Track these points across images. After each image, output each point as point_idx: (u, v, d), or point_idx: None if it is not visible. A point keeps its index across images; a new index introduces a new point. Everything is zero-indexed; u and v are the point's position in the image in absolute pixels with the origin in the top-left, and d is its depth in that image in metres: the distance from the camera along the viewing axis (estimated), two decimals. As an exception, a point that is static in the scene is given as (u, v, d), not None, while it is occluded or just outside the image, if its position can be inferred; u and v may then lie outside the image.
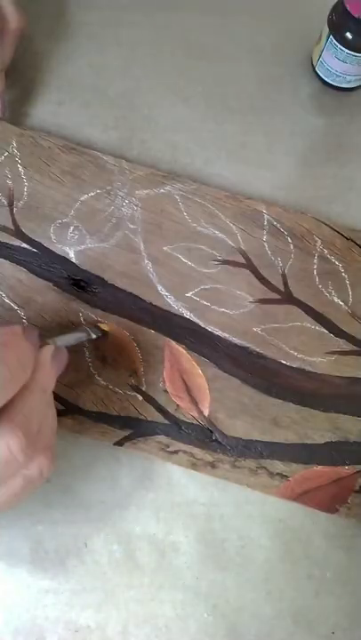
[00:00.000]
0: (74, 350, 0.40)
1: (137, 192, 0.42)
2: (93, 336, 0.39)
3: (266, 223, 0.42)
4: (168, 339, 0.41)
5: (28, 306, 0.40)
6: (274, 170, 0.46)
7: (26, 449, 0.27)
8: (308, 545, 0.40)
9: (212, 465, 0.39)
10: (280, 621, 0.39)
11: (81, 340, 0.38)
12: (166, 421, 0.40)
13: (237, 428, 0.40)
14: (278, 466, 0.40)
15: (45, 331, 0.40)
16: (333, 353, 0.41)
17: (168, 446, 0.39)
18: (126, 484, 0.40)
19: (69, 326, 0.40)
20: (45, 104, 0.46)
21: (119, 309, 0.41)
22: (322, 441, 0.40)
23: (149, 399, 0.40)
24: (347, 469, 0.40)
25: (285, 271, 0.42)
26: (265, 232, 0.42)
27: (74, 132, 0.45)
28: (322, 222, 0.43)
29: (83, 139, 0.45)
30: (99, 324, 0.40)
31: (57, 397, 0.40)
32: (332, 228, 0.43)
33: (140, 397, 0.40)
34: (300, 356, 0.41)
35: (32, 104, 0.45)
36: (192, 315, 0.41)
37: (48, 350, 0.32)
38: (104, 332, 0.40)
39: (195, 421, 0.40)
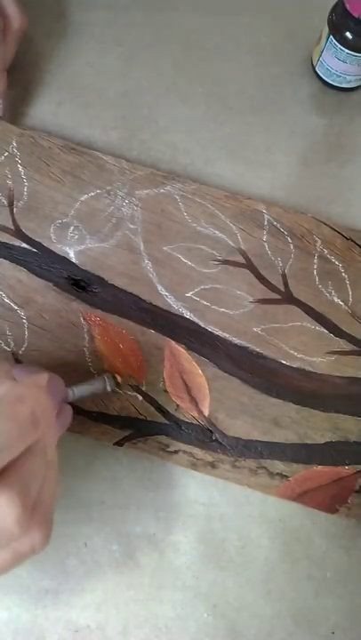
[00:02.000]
0: (72, 351, 0.40)
1: (137, 192, 0.42)
2: (109, 389, 0.38)
3: (266, 223, 0.42)
4: (168, 339, 0.41)
5: (27, 306, 0.40)
6: (274, 170, 0.46)
7: (22, 521, 0.24)
8: (308, 545, 0.40)
9: (212, 465, 0.39)
10: (280, 621, 0.39)
11: (97, 392, 0.38)
12: (166, 421, 0.40)
13: (237, 428, 0.40)
14: (278, 466, 0.40)
15: (48, 338, 0.40)
16: (333, 353, 0.41)
17: (168, 446, 0.39)
18: (126, 484, 0.40)
19: (85, 375, 0.39)
20: (45, 104, 0.46)
21: (119, 309, 0.41)
22: (322, 441, 0.40)
23: (149, 399, 0.40)
24: (347, 469, 0.40)
25: (285, 271, 0.42)
26: (265, 232, 0.42)
27: (74, 132, 0.45)
28: (322, 222, 0.43)
29: (83, 139, 0.45)
30: (115, 375, 0.39)
31: (57, 397, 0.40)
32: (332, 227, 0.43)
33: (140, 397, 0.40)
34: (300, 356, 0.41)
35: (32, 104, 0.45)
36: (192, 315, 0.41)
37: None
38: (118, 384, 0.39)
39: (195, 421, 0.40)
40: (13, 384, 0.27)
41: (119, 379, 0.39)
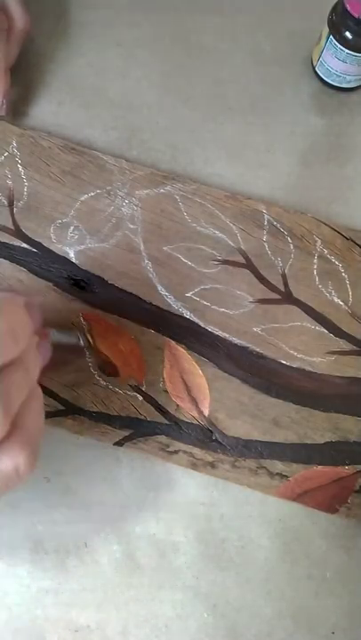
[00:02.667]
0: (74, 351, 0.40)
1: (137, 192, 0.42)
2: (81, 343, 0.39)
3: (266, 223, 0.42)
4: (168, 339, 0.41)
5: (28, 306, 0.40)
6: (274, 170, 0.46)
7: (2, 420, 0.24)
8: (308, 545, 0.40)
9: (212, 465, 0.39)
10: (280, 621, 0.39)
11: (70, 343, 0.38)
12: (166, 421, 0.40)
13: (237, 428, 0.40)
14: (278, 466, 0.40)
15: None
16: (333, 353, 0.41)
17: (168, 446, 0.39)
18: (126, 484, 0.40)
19: (68, 326, 0.40)
20: (45, 104, 0.46)
21: (119, 309, 0.41)
22: (322, 441, 0.40)
23: (149, 399, 0.40)
24: (347, 469, 0.40)
25: (285, 271, 0.42)
26: (265, 232, 0.42)
27: (74, 132, 0.45)
28: (322, 222, 0.43)
29: (83, 139, 0.45)
30: (88, 335, 0.40)
31: (57, 397, 0.40)
32: (332, 227, 0.43)
33: (140, 397, 0.40)
34: (300, 356, 0.41)
35: (32, 104, 0.45)
36: (192, 315, 0.41)
37: (34, 338, 0.29)
38: (89, 343, 0.39)
39: (195, 421, 0.40)
40: None
41: (90, 340, 0.40)
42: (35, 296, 0.31)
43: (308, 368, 0.41)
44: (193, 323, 0.41)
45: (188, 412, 0.40)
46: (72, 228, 0.42)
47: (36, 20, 0.46)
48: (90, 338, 0.40)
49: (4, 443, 0.25)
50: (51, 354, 0.33)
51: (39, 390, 0.29)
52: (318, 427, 0.40)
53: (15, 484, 0.26)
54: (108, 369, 0.40)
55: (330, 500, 0.39)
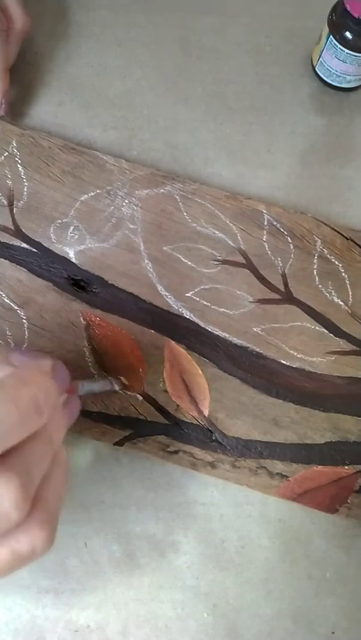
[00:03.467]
0: (72, 351, 0.40)
1: (137, 192, 0.42)
2: (116, 388, 0.38)
3: (266, 223, 0.42)
4: (168, 339, 0.41)
5: (27, 306, 0.40)
6: (274, 170, 0.46)
7: (22, 504, 0.22)
8: (308, 545, 0.40)
9: (212, 465, 0.39)
10: (280, 621, 0.39)
11: (104, 391, 0.37)
12: (166, 421, 0.40)
13: (237, 427, 0.40)
14: (278, 466, 0.40)
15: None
16: (333, 353, 0.41)
17: (168, 446, 0.39)
18: (126, 484, 0.40)
19: (90, 374, 0.40)
20: (45, 104, 0.46)
21: (119, 309, 0.41)
22: (322, 441, 0.40)
23: (149, 399, 0.40)
24: (347, 469, 0.40)
25: (285, 271, 0.42)
26: (265, 232, 0.42)
27: (74, 132, 0.45)
28: (322, 222, 0.43)
29: (83, 139, 0.45)
30: (120, 377, 0.39)
31: (57, 397, 0.40)
32: (332, 227, 0.43)
33: (140, 397, 0.40)
34: (300, 356, 0.41)
35: (32, 104, 0.45)
36: (192, 315, 0.41)
37: (60, 398, 0.27)
38: (125, 385, 0.39)
39: (195, 421, 0.40)
40: (14, 369, 0.26)
41: (125, 381, 0.39)
42: (62, 367, 0.29)
43: (308, 368, 0.41)
44: (193, 323, 0.41)
45: (188, 412, 0.40)
46: (72, 228, 0.42)
47: (36, 20, 0.46)
48: (123, 380, 0.39)
49: (23, 522, 0.23)
50: (80, 408, 0.32)
51: (63, 455, 0.27)
52: (318, 427, 0.40)
53: (29, 562, 0.24)
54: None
55: (330, 500, 0.39)
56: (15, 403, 0.23)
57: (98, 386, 0.37)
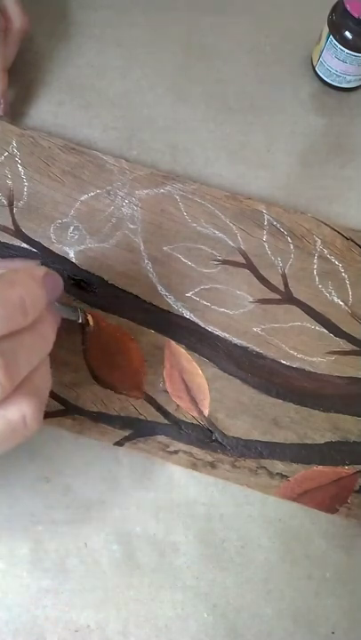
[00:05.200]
0: (73, 351, 0.40)
1: (137, 192, 0.42)
2: (79, 320, 0.38)
3: (266, 223, 0.42)
4: (168, 339, 0.41)
5: (28, 306, 0.40)
6: (274, 170, 0.46)
7: (4, 381, 0.25)
8: (308, 545, 0.40)
9: (212, 465, 0.39)
10: (280, 621, 0.39)
11: (70, 318, 0.38)
12: (166, 421, 0.40)
13: (237, 427, 0.40)
14: (278, 466, 0.40)
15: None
16: (333, 353, 0.41)
17: (168, 446, 0.39)
18: (126, 484, 0.40)
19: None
20: (45, 104, 0.46)
21: (119, 309, 0.41)
22: (322, 441, 0.40)
23: (149, 399, 0.40)
24: (347, 469, 0.40)
25: (285, 271, 0.42)
26: (265, 232, 0.42)
27: (74, 132, 0.45)
28: (322, 222, 0.43)
29: (83, 139, 0.45)
30: (87, 313, 0.40)
31: (57, 397, 0.40)
32: (332, 227, 0.43)
33: (140, 397, 0.40)
34: (300, 356, 0.41)
35: (32, 104, 0.45)
36: (192, 315, 0.41)
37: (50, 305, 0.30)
38: (87, 322, 0.39)
39: (195, 421, 0.40)
40: (5, 271, 0.27)
41: (91, 321, 0.39)
42: (55, 277, 0.31)
43: (308, 368, 0.41)
44: (193, 323, 0.41)
45: (188, 412, 0.40)
46: (72, 227, 0.42)
47: (36, 20, 0.46)
48: (89, 319, 0.39)
49: (11, 395, 0.26)
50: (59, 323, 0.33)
51: (47, 359, 0.29)
52: (318, 427, 0.40)
53: (22, 435, 0.27)
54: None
55: (330, 500, 0.39)
56: (2, 302, 0.25)
57: (66, 312, 0.37)
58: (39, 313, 0.27)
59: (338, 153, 0.47)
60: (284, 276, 0.42)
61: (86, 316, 0.39)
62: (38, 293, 0.27)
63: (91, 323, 0.39)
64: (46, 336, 0.29)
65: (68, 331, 0.40)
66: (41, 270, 0.29)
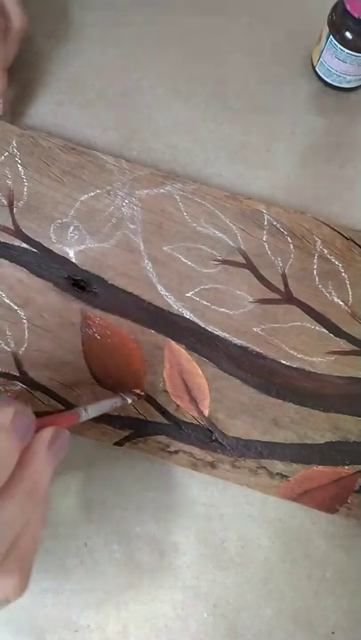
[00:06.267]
0: (73, 351, 0.40)
1: (137, 192, 0.42)
2: (129, 401, 0.37)
3: (266, 223, 0.42)
4: (168, 339, 0.40)
5: (27, 306, 0.40)
6: (274, 170, 0.46)
7: None
8: (308, 545, 0.40)
9: (212, 465, 0.39)
10: (280, 621, 0.39)
11: (115, 407, 0.37)
12: (166, 421, 0.40)
13: (237, 427, 0.40)
14: (278, 466, 0.40)
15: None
16: (333, 353, 0.41)
17: (168, 446, 0.39)
18: (126, 484, 0.40)
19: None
20: (45, 104, 0.46)
21: (119, 309, 0.41)
22: (322, 441, 0.40)
23: (149, 399, 0.40)
24: (347, 469, 0.40)
25: (285, 271, 0.42)
26: (265, 232, 0.42)
27: (74, 132, 0.45)
28: (322, 222, 0.43)
29: (83, 139, 0.45)
30: (134, 390, 0.39)
31: (57, 397, 0.40)
32: (332, 227, 0.43)
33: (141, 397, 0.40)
34: (300, 356, 0.41)
35: (32, 104, 0.45)
36: (192, 315, 0.41)
37: (45, 436, 0.26)
38: (139, 396, 0.39)
39: (195, 421, 0.40)
40: None
41: (140, 392, 0.39)
42: (23, 413, 0.27)
43: (308, 368, 0.41)
44: (193, 323, 0.41)
45: (188, 412, 0.40)
46: (72, 228, 0.42)
47: (36, 19, 0.46)
48: (138, 391, 0.39)
49: None
50: (68, 443, 0.29)
51: (45, 495, 0.26)
52: (318, 427, 0.40)
53: (2, 607, 0.24)
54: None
55: (330, 500, 0.39)
56: None
57: (105, 406, 0.35)
58: (14, 463, 0.24)
59: (338, 153, 0.47)
60: (284, 276, 0.42)
61: (135, 392, 0.39)
62: (7, 440, 0.24)
63: (141, 393, 0.39)
64: (38, 481, 0.25)
65: (67, 331, 0.40)
66: (8, 412, 0.25)
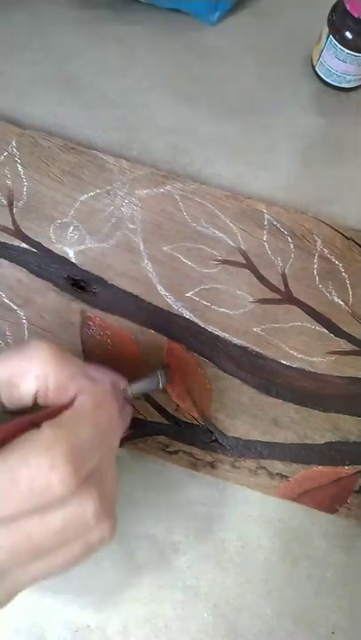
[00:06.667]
0: (73, 351, 0.40)
1: (137, 192, 0.42)
2: (161, 386, 0.37)
3: (266, 223, 0.42)
4: (168, 339, 0.40)
5: (27, 306, 0.40)
6: (274, 170, 0.46)
7: (99, 514, 0.25)
8: (308, 545, 0.40)
9: (212, 465, 0.39)
10: (280, 621, 0.39)
11: (150, 389, 0.37)
12: (166, 421, 0.40)
13: (237, 427, 0.40)
14: (278, 466, 0.40)
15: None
16: (333, 353, 0.41)
17: (168, 446, 0.39)
18: (126, 484, 0.40)
19: (141, 369, 0.39)
20: (45, 104, 0.46)
21: (119, 309, 0.41)
22: (322, 441, 0.40)
23: (149, 399, 0.40)
24: (347, 469, 0.40)
25: (285, 271, 0.42)
26: (265, 232, 0.42)
27: (74, 132, 0.45)
28: (322, 222, 0.43)
29: (83, 139, 0.45)
30: (166, 370, 0.39)
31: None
32: (332, 227, 0.42)
33: (140, 397, 0.40)
34: (300, 356, 0.41)
35: (32, 104, 0.45)
36: (192, 315, 0.41)
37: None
38: (169, 379, 0.39)
39: (195, 421, 0.40)
40: (91, 386, 0.28)
41: (167, 379, 0.39)
42: (119, 383, 0.33)
43: (308, 368, 0.41)
44: (193, 323, 0.41)
45: (188, 412, 0.40)
46: (72, 227, 0.41)
47: (36, 19, 0.46)
48: (169, 374, 0.39)
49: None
50: (131, 414, 0.34)
51: (115, 463, 0.30)
52: (318, 427, 0.40)
53: (97, 551, 0.27)
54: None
55: (330, 500, 0.39)
56: (98, 425, 0.26)
57: (143, 385, 0.36)
58: (120, 425, 0.30)
59: (338, 153, 0.47)
60: (284, 276, 0.42)
61: (166, 372, 0.38)
62: (115, 406, 0.29)
63: (170, 376, 0.39)
64: (115, 445, 0.30)
65: (67, 331, 0.40)
66: (109, 385, 0.30)
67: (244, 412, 0.40)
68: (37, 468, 0.23)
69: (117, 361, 0.40)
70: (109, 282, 0.41)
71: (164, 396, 0.40)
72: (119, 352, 0.40)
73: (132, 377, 0.36)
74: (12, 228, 0.41)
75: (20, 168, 0.42)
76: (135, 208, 0.42)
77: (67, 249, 0.41)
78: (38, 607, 0.38)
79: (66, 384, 0.28)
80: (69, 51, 0.47)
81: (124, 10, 0.49)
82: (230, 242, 0.42)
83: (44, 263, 0.41)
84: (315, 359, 0.41)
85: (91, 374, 0.30)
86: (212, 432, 0.40)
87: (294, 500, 0.39)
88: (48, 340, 0.30)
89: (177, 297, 0.41)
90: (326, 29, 0.44)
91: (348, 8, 0.42)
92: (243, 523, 0.40)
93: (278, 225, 0.42)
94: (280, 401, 0.40)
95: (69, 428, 0.25)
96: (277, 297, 0.42)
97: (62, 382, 0.28)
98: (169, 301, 0.41)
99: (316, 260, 0.42)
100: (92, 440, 0.26)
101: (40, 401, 0.28)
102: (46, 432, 0.24)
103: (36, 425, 0.25)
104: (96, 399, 0.27)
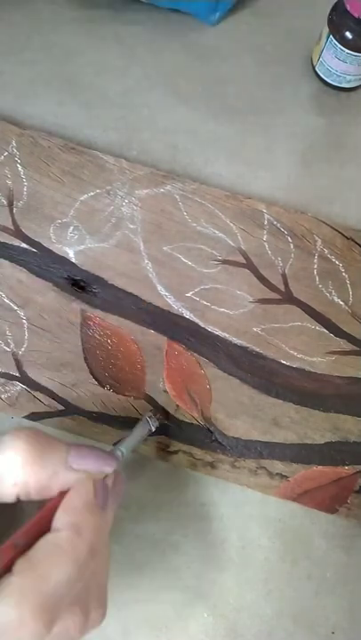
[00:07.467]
0: (73, 351, 0.40)
1: (137, 192, 0.42)
2: (153, 429, 0.37)
3: (266, 223, 0.42)
4: (168, 339, 0.40)
5: (27, 306, 0.40)
6: (274, 170, 0.46)
7: (83, 626, 0.26)
8: (307, 545, 0.40)
9: (212, 465, 0.39)
10: (280, 621, 0.39)
11: (145, 436, 0.37)
12: (166, 421, 0.40)
13: (237, 427, 0.40)
14: (278, 466, 0.40)
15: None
16: (333, 353, 0.41)
17: (168, 446, 0.39)
18: (126, 484, 0.40)
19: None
20: (45, 104, 0.46)
21: (119, 309, 0.41)
22: (322, 441, 0.40)
23: (149, 399, 0.40)
24: (347, 469, 0.40)
25: (286, 271, 0.42)
26: (265, 232, 0.42)
27: (74, 132, 0.45)
28: (322, 222, 0.43)
29: (83, 139, 0.45)
30: (154, 412, 0.39)
31: (57, 397, 0.40)
32: (332, 227, 0.42)
33: (140, 397, 0.40)
34: (300, 356, 0.41)
35: (32, 104, 0.45)
36: (192, 315, 0.41)
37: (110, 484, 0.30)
38: (166, 416, 0.39)
39: (195, 421, 0.40)
40: (70, 500, 0.27)
41: (160, 417, 0.39)
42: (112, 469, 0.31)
43: (308, 368, 0.41)
44: (193, 323, 0.41)
45: (188, 412, 0.40)
46: (72, 227, 0.41)
47: (36, 18, 0.46)
48: (157, 413, 0.39)
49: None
50: (124, 483, 0.32)
51: (108, 546, 0.29)
52: (318, 427, 0.40)
53: (90, 632, 0.28)
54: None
55: (330, 500, 0.39)
56: (75, 560, 0.25)
57: (136, 436, 0.35)
58: (106, 538, 0.29)
59: (338, 153, 0.47)
60: (284, 276, 0.42)
61: (155, 414, 0.38)
62: (104, 523, 0.28)
63: (157, 421, 0.39)
64: (106, 541, 0.29)
65: (67, 331, 0.40)
66: (111, 465, 0.29)
67: (244, 412, 0.40)
68: (7, 623, 0.23)
69: (117, 361, 0.40)
70: (109, 282, 0.41)
71: (164, 396, 0.40)
72: (119, 352, 0.40)
73: (119, 439, 0.35)
74: (12, 227, 0.41)
75: (20, 168, 0.42)
76: (135, 208, 0.42)
77: (67, 249, 0.41)
78: (38, 607, 0.38)
79: (48, 484, 0.27)
80: (69, 51, 0.47)
81: (124, 10, 0.49)
82: (230, 242, 0.42)
83: (44, 263, 0.41)
84: (315, 359, 0.41)
85: (74, 465, 0.28)
86: (212, 432, 0.40)
87: (294, 500, 0.39)
88: (24, 432, 0.28)
89: (177, 297, 0.41)
90: (326, 29, 0.44)
91: (349, 8, 0.42)
92: (243, 523, 0.40)
93: (278, 225, 0.42)
94: (280, 401, 0.40)
95: (42, 572, 0.24)
96: (277, 297, 0.42)
97: (44, 483, 0.27)
98: (169, 301, 0.41)
99: (316, 260, 0.42)
100: (69, 577, 0.24)
101: (23, 499, 0.27)
102: (16, 583, 0.23)
103: (17, 550, 0.24)
104: (75, 522, 0.26)
